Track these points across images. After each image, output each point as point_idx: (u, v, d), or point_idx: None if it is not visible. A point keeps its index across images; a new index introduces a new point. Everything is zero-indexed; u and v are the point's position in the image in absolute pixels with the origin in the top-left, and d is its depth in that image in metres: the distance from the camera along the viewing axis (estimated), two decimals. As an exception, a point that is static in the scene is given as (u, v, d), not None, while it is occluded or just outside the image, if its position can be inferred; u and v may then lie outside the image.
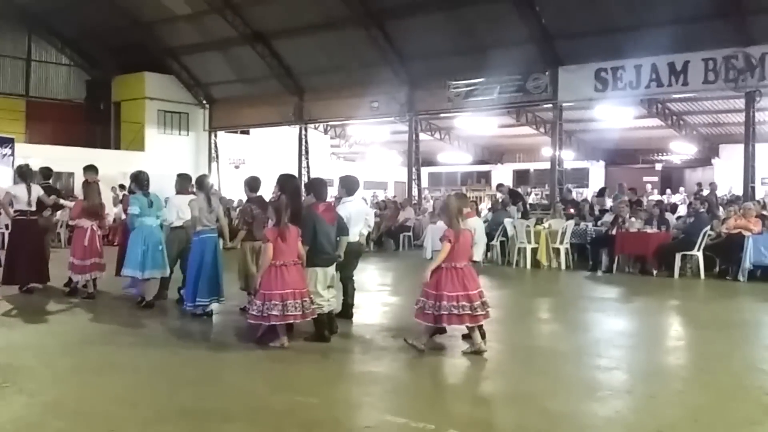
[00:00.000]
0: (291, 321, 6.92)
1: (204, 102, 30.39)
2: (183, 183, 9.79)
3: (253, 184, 9.02)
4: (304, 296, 6.90)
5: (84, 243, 9.97)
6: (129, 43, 27.61)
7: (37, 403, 5.29)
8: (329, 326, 7.45)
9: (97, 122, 29.60)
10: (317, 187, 7.81)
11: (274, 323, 6.87)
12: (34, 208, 10.45)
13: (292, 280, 6.84)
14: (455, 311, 6.55)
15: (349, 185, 8.54)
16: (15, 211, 10.47)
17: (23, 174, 10.54)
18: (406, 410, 5.14)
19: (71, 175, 25.38)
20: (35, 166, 11.64)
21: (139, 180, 9.48)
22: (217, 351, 7.12)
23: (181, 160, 28.17)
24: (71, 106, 30.09)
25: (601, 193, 22.59)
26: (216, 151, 30.65)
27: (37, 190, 10.56)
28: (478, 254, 7.62)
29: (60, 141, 26.18)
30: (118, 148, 29.17)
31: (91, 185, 10.43)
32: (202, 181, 9.09)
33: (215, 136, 30.70)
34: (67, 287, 10.43)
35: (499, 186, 21.44)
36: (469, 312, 6.58)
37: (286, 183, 7.78)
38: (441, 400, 5.56)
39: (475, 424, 4.79)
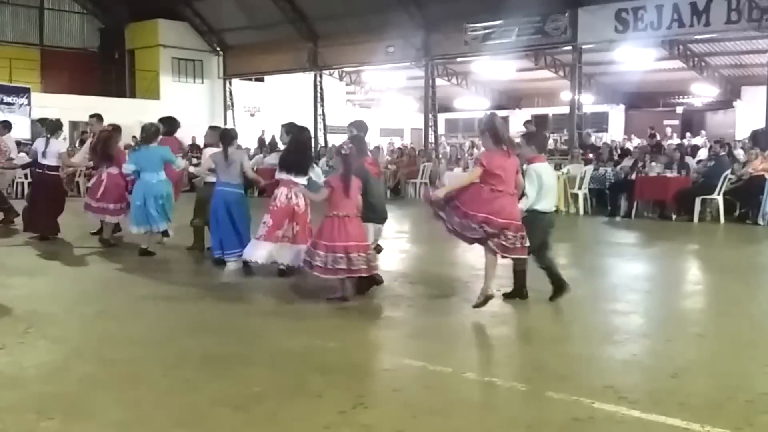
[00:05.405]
0: (357, 275, 6.67)
1: (218, 49, 30.16)
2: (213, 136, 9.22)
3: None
4: (367, 250, 6.71)
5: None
6: (141, -11, 27.38)
7: (61, 349, 5.37)
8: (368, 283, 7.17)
9: (111, 71, 29.53)
10: (360, 141, 7.36)
11: (342, 276, 6.65)
12: (50, 162, 10.49)
13: (355, 233, 6.64)
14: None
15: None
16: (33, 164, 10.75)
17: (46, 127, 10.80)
18: (424, 354, 5.16)
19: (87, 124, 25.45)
20: (52, 116, 11.76)
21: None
22: (237, 299, 7.18)
23: (196, 108, 28.12)
24: (85, 54, 29.97)
25: None
26: (231, 99, 30.56)
27: (57, 145, 10.60)
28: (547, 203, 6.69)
29: (75, 90, 26.20)
30: (133, 96, 29.13)
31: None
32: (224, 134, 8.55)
33: (230, 83, 30.56)
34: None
35: (527, 122, 21.01)
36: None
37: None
38: (458, 344, 5.57)
39: (492, 367, 4.83)
